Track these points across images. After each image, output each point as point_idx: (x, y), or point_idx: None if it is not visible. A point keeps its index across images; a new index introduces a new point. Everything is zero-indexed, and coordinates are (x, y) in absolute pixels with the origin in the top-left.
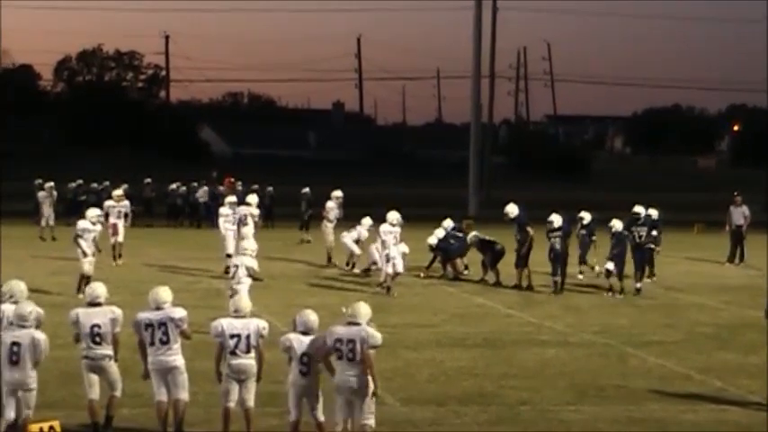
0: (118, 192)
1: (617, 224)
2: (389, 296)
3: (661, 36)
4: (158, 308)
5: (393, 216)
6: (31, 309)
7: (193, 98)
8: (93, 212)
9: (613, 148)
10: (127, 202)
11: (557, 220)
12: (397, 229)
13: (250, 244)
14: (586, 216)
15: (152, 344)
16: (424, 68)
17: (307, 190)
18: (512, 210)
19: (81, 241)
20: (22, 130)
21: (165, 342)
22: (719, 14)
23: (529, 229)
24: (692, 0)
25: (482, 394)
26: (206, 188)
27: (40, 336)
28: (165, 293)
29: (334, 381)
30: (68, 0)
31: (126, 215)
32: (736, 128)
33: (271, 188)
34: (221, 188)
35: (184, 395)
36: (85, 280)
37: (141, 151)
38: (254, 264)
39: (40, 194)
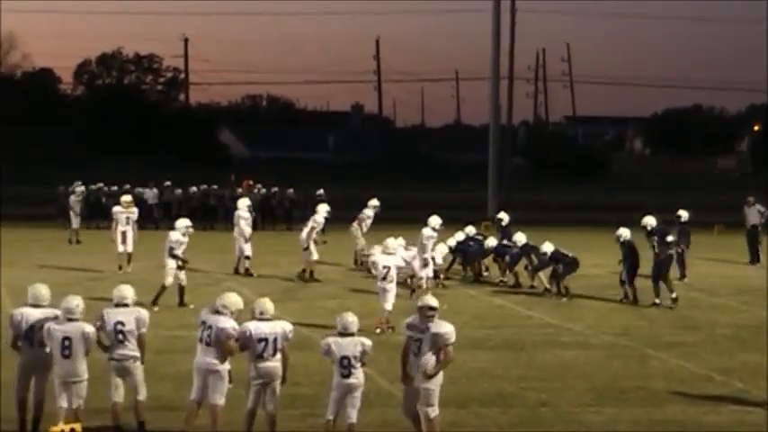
0: (127, 198)
1: (624, 232)
2: (411, 298)
3: (680, 36)
4: (216, 311)
5: (436, 221)
6: (78, 302)
7: (212, 101)
8: (182, 223)
9: (633, 149)
10: (136, 209)
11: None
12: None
13: (394, 243)
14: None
15: (200, 340)
16: (443, 70)
17: (321, 192)
18: (520, 238)
19: (176, 253)
20: (41, 133)
21: (209, 344)
22: (739, 15)
23: (533, 257)
24: (713, 0)
25: (502, 396)
26: (155, 190)
27: (90, 328)
28: (228, 299)
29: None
30: (88, 1)
31: (134, 222)
32: (756, 128)
33: (291, 190)
34: (239, 190)
35: (219, 401)
36: (163, 291)
37: (160, 154)
38: (402, 264)
39: (71, 198)
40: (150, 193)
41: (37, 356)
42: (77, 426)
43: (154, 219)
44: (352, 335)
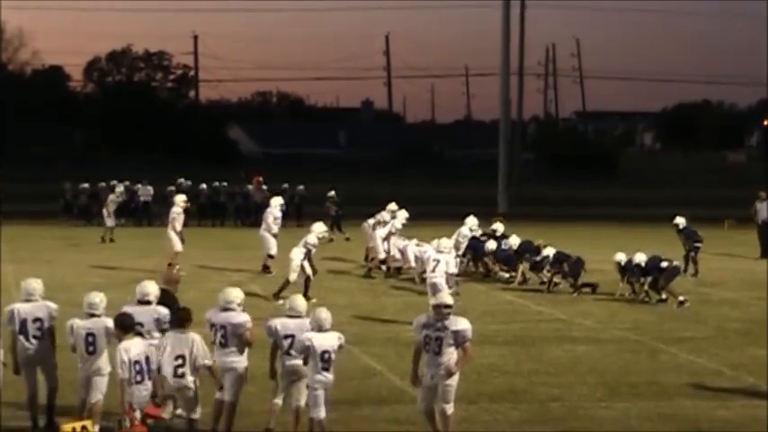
0: (183, 197)
1: (621, 257)
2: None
3: (690, 31)
4: (224, 309)
5: (473, 221)
6: (100, 298)
7: (222, 98)
8: (320, 228)
9: (643, 144)
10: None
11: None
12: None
13: (448, 243)
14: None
15: (213, 342)
16: (453, 66)
17: (332, 193)
18: (513, 242)
19: (311, 255)
20: (51, 131)
21: (223, 345)
22: (748, 10)
23: (543, 256)
24: None
25: (513, 391)
26: (149, 187)
27: (112, 324)
28: (231, 294)
29: None
30: (98, 0)
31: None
32: (766, 122)
33: (302, 187)
34: (249, 187)
35: (233, 398)
36: (287, 285)
37: (170, 151)
38: (452, 260)
39: (110, 197)
40: (143, 190)
41: (34, 349)
42: (89, 423)
43: (139, 215)
44: (328, 330)
